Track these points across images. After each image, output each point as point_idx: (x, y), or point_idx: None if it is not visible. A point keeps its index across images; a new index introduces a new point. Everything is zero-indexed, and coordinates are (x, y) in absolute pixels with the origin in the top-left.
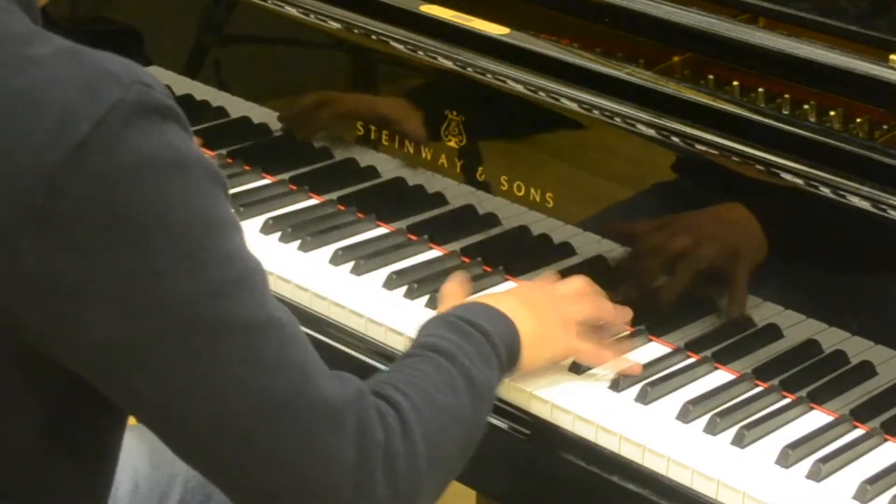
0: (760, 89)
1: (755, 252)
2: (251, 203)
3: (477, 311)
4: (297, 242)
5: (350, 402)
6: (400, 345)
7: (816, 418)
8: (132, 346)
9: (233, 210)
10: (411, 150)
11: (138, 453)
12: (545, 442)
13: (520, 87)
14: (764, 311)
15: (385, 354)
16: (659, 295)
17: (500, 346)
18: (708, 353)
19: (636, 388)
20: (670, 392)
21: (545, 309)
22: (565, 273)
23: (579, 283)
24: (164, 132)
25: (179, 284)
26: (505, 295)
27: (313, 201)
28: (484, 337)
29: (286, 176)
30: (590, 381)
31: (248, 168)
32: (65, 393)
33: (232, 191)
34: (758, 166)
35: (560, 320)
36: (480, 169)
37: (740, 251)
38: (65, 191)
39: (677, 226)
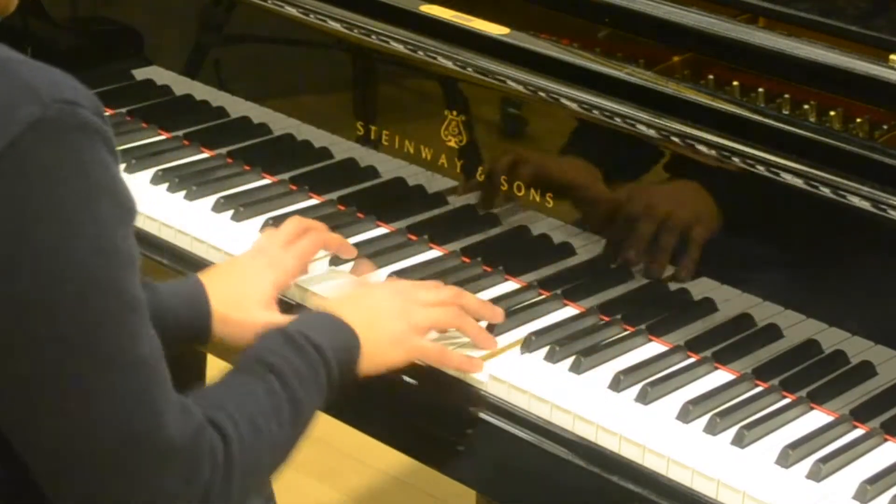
0: (760, 89)
1: (755, 250)
2: (251, 203)
3: (320, 326)
4: None
5: (188, 439)
6: None
7: (816, 418)
8: (8, 370)
9: (132, 241)
10: (411, 150)
11: None
12: (545, 442)
13: (520, 87)
14: (764, 311)
15: None
16: (659, 294)
17: (334, 366)
18: (708, 353)
19: (636, 388)
20: (670, 392)
21: (391, 312)
22: (565, 273)
23: (444, 292)
24: (80, 156)
25: (65, 314)
26: (354, 301)
27: (313, 201)
28: (320, 357)
29: (286, 176)
30: (590, 381)
31: (248, 168)
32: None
33: (232, 191)
34: (758, 166)
35: (408, 326)
36: (480, 169)
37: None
38: None
39: (677, 225)
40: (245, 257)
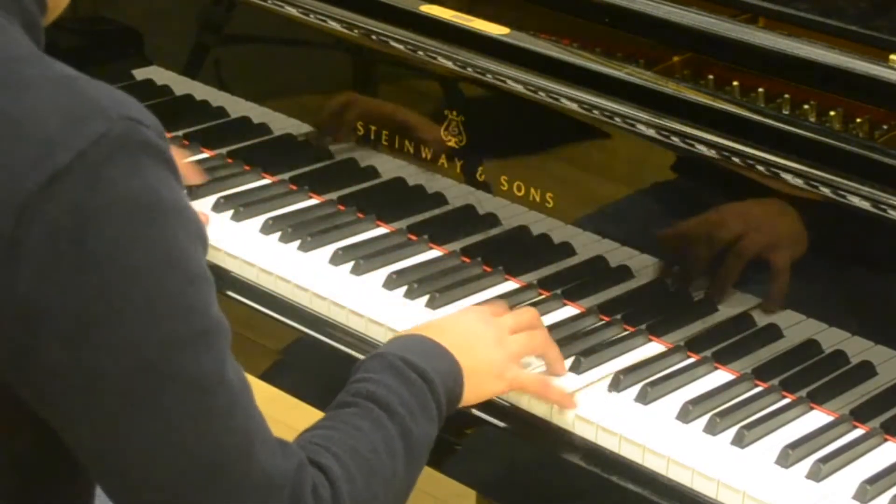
0: (760, 89)
1: (754, 250)
2: (251, 203)
3: (420, 351)
4: (297, 242)
5: (287, 479)
6: None
7: (816, 418)
8: (77, 383)
9: (206, 265)
10: (411, 150)
11: None
12: (545, 442)
13: (520, 87)
14: (764, 312)
15: None
16: (659, 294)
17: (441, 395)
18: (708, 353)
19: (636, 388)
20: (670, 392)
21: (489, 342)
22: (565, 273)
23: (527, 316)
24: (146, 172)
25: (136, 330)
26: (450, 327)
27: (313, 201)
28: (427, 385)
29: (286, 176)
30: (590, 381)
31: (248, 168)
32: (30, 456)
33: (232, 191)
34: (758, 166)
35: (505, 354)
36: (480, 169)
37: (740, 250)
38: (35, 220)
39: (677, 225)
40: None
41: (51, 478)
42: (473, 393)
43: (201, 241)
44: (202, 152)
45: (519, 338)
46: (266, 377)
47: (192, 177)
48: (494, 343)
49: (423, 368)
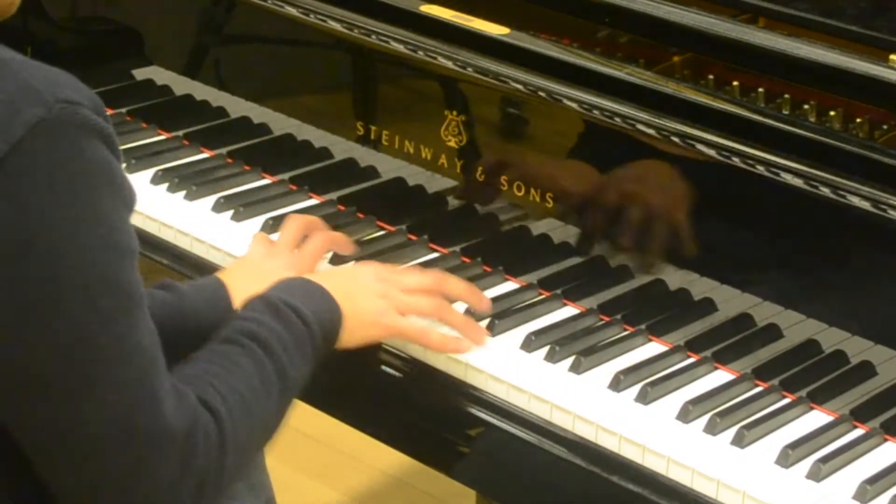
0: (760, 89)
1: (756, 249)
2: (251, 203)
3: (302, 293)
4: None
5: (185, 427)
6: (403, 345)
7: (816, 418)
8: (16, 366)
9: (132, 232)
10: (411, 150)
11: None
12: (545, 442)
13: (520, 87)
14: (764, 311)
15: (386, 353)
16: (659, 294)
17: (318, 336)
18: (708, 353)
19: (636, 388)
20: (670, 392)
21: (372, 290)
22: (565, 273)
23: (428, 279)
24: (82, 154)
25: (73, 311)
26: (338, 274)
27: (313, 201)
28: (305, 326)
29: (286, 176)
30: (590, 381)
31: (248, 168)
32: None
33: (232, 191)
34: (758, 166)
35: (386, 305)
36: (480, 168)
37: (743, 247)
38: None
39: (677, 225)
40: (262, 259)
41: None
42: (351, 336)
43: (129, 206)
44: (202, 152)
45: (409, 298)
46: None
47: (345, 248)
48: (378, 294)
49: (302, 310)
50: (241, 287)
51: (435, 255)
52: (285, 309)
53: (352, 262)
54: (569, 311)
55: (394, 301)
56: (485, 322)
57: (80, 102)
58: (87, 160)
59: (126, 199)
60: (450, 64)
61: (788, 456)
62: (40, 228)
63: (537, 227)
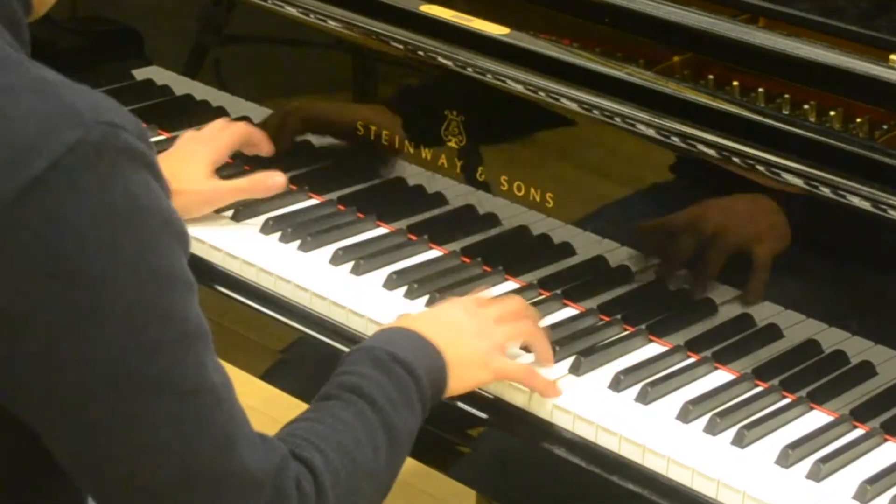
0: (760, 89)
1: (754, 250)
2: (251, 203)
3: (404, 344)
4: (297, 242)
5: (270, 474)
6: None
7: (816, 418)
8: (59, 393)
9: (187, 268)
10: (411, 150)
11: None
12: (545, 442)
13: (520, 87)
14: (764, 311)
15: None
16: (659, 294)
17: (425, 387)
18: (708, 353)
19: (636, 388)
20: (670, 392)
21: (472, 332)
22: (565, 273)
23: (513, 305)
24: (125, 178)
25: (116, 339)
26: (434, 319)
27: (313, 201)
28: (410, 377)
29: (286, 176)
30: (590, 381)
31: (248, 168)
32: (16, 453)
33: None
34: (758, 166)
35: (489, 344)
36: (480, 169)
37: (740, 249)
38: (13, 227)
39: (677, 226)
40: (179, 140)
41: (44, 472)
42: (458, 384)
43: (182, 244)
44: None
45: (504, 328)
46: (266, 377)
47: (263, 147)
48: (478, 333)
49: (408, 361)
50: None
51: (435, 254)
52: (388, 360)
53: (439, 302)
54: (569, 311)
55: (492, 337)
56: None
57: (122, 126)
58: (130, 184)
59: (176, 231)
60: (450, 64)
61: (788, 456)
62: (80, 249)
63: (537, 227)
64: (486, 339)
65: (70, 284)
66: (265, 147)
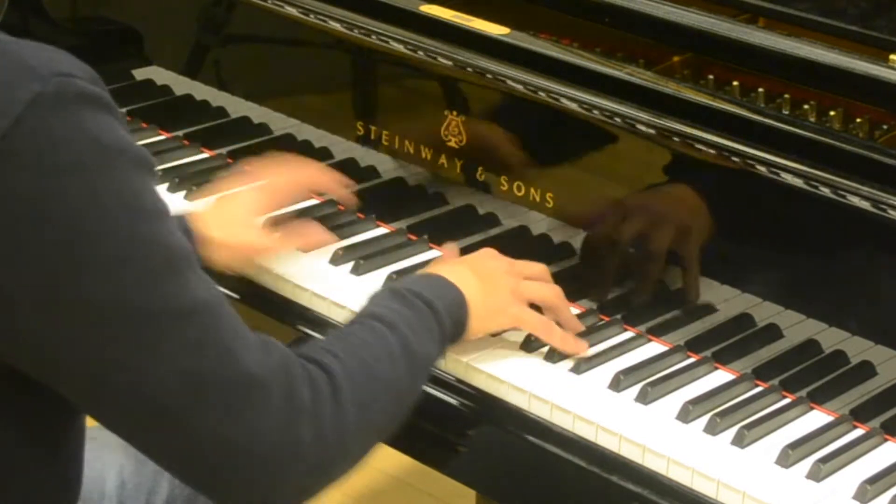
0: (760, 89)
1: (756, 248)
2: None
3: (426, 282)
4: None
5: (275, 371)
6: None
7: (816, 418)
8: (59, 336)
9: (159, 195)
10: (411, 150)
11: (123, 451)
12: (545, 442)
13: (520, 87)
14: (764, 311)
15: None
16: (659, 294)
17: (445, 319)
18: (708, 353)
19: (636, 388)
20: (670, 392)
21: (498, 279)
22: (564, 273)
23: (541, 268)
24: (87, 123)
25: (104, 276)
26: (458, 263)
27: (313, 201)
28: (430, 309)
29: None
30: (590, 381)
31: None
32: (13, 398)
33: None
34: (758, 166)
35: (511, 291)
36: (480, 169)
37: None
38: None
39: (677, 225)
40: (234, 202)
41: (37, 415)
42: (479, 323)
43: (151, 172)
44: (202, 152)
45: (530, 284)
46: None
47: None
48: (503, 279)
49: (428, 297)
50: (209, 220)
51: (435, 254)
52: (409, 294)
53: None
54: None
55: (516, 287)
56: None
57: (75, 74)
58: (92, 128)
59: (141, 161)
60: (450, 64)
61: (788, 456)
62: (54, 198)
63: (537, 227)
64: (509, 287)
65: (51, 234)
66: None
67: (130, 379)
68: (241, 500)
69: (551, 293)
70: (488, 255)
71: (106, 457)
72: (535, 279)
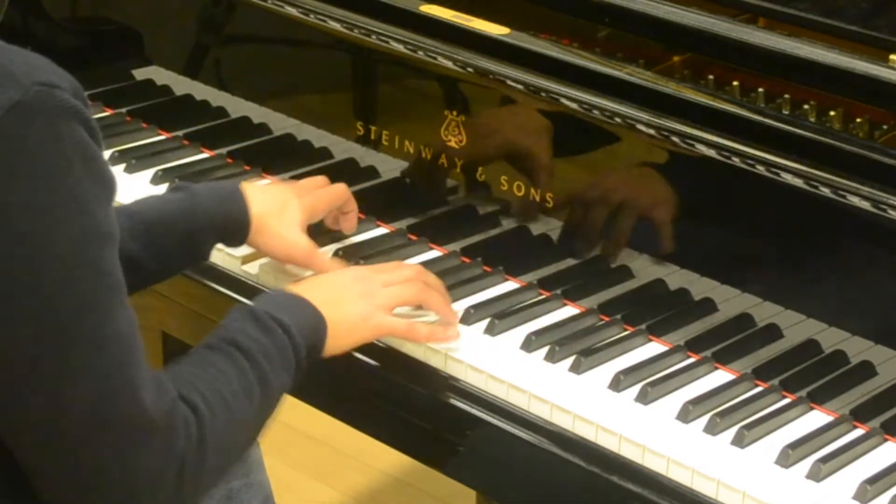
0: (760, 89)
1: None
2: None
3: (283, 304)
4: None
5: (162, 414)
6: (401, 344)
7: (816, 418)
8: None
9: (113, 219)
10: (411, 150)
11: None
12: (545, 442)
13: (520, 87)
14: (764, 311)
15: (386, 354)
16: (659, 294)
17: (302, 350)
18: (708, 353)
19: (636, 388)
20: (670, 392)
21: (355, 295)
22: (566, 273)
23: (405, 271)
24: (60, 134)
25: (47, 294)
26: (317, 283)
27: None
28: (287, 337)
29: (286, 176)
30: (590, 381)
31: (248, 168)
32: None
33: None
34: (758, 166)
35: (369, 304)
36: (480, 169)
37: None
38: None
39: (676, 225)
40: (281, 184)
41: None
42: (338, 342)
43: (111, 194)
44: (202, 152)
45: (390, 290)
46: None
47: (349, 222)
48: (360, 295)
49: (284, 321)
50: (261, 195)
51: (435, 254)
52: (268, 320)
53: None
54: (569, 311)
55: (376, 299)
56: (484, 321)
57: (57, 85)
58: (65, 143)
59: (106, 184)
60: (450, 64)
61: (788, 456)
62: (17, 212)
63: (537, 227)
64: (368, 299)
65: (7, 247)
66: (350, 222)
67: (40, 400)
68: None
69: (411, 292)
70: (349, 272)
71: None
72: (393, 283)
